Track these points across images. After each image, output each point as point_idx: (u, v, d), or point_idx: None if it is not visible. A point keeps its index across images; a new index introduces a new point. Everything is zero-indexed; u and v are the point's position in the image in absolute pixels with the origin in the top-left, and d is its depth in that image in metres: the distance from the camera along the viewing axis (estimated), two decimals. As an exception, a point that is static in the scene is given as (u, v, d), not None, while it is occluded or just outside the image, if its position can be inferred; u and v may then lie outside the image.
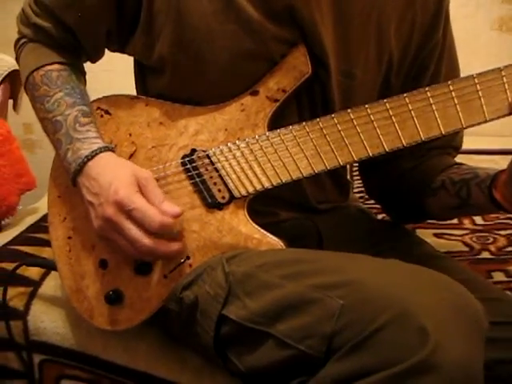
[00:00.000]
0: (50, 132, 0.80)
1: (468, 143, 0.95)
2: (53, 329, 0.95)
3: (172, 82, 0.79)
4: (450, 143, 0.88)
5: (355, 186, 1.26)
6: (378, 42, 0.79)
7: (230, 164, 0.75)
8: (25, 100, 1.46)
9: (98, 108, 0.83)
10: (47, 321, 0.95)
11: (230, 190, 0.76)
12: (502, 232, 1.14)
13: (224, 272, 0.69)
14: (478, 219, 1.20)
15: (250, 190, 0.75)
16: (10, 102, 1.44)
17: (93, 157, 0.75)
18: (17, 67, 1.35)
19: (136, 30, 0.79)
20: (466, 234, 1.14)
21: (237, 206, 0.76)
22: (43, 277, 1.02)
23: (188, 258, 0.76)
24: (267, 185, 0.75)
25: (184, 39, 0.74)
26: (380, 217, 1.04)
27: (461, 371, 0.51)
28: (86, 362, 0.94)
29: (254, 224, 0.75)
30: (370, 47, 0.79)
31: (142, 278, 0.78)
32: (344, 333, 0.55)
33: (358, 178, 1.22)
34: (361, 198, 1.13)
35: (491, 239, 1.11)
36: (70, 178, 0.78)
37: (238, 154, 0.75)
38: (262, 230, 0.75)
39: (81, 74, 0.86)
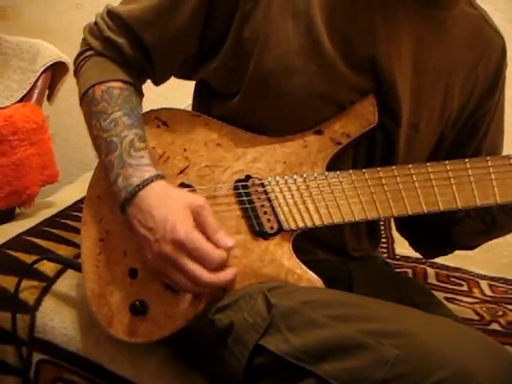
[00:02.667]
0: (103, 152, 0.77)
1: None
2: (61, 329, 0.93)
3: (240, 108, 0.80)
4: None
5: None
6: (444, 98, 0.83)
7: (283, 196, 0.76)
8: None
9: (156, 118, 0.83)
10: (57, 320, 0.93)
11: (279, 222, 0.76)
12: (510, 307, 1.15)
13: (267, 302, 0.69)
14: (487, 290, 1.22)
15: (300, 224, 0.76)
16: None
17: (144, 186, 0.73)
18: (62, 59, 1.36)
19: (214, 54, 0.79)
20: (476, 303, 1.15)
21: (283, 238, 0.76)
22: (58, 274, 1.00)
23: (224, 282, 0.76)
24: (318, 223, 0.75)
25: (265, 70, 0.76)
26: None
27: None
28: (89, 369, 0.91)
29: (297, 259, 0.76)
30: (436, 102, 0.82)
31: (171, 294, 0.77)
32: (395, 382, 0.56)
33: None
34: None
35: (501, 312, 1.12)
36: (118, 204, 0.75)
37: (294, 187, 0.76)
38: (304, 267, 0.75)
39: (140, 96, 0.84)
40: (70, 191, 1.37)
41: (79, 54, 0.85)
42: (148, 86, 0.88)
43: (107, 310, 0.81)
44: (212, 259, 0.68)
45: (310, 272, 0.75)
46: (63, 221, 1.19)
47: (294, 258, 0.76)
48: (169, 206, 0.71)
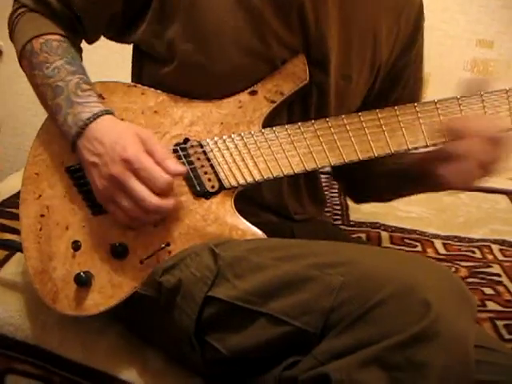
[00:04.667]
0: (49, 98, 0.78)
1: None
2: (6, 318, 0.89)
3: (174, 73, 0.80)
4: None
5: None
6: (373, 49, 0.85)
7: (222, 155, 0.77)
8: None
9: None
10: (1, 309, 0.90)
11: (220, 180, 0.77)
12: (463, 263, 1.18)
13: (213, 254, 0.70)
14: (441, 249, 1.25)
15: (241, 181, 0.77)
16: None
17: (94, 119, 0.75)
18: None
19: (142, 17, 0.80)
20: (430, 262, 1.17)
21: (225, 196, 0.77)
22: (2, 263, 0.97)
23: (168, 244, 0.76)
24: (258, 177, 0.76)
25: (194, 30, 0.76)
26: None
27: (459, 343, 0.53)
28: (39, 356, 0.88)
29: (239, 216, 0.77)
30: (366, 54, 0.85)
31: (116, 262, 0.77)
32: (343, 308, 0.57)
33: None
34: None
35: (453, 269, 1.15)
36: (69, 141, 0.77)
37: (232, 146, 0.77)
38: (247, 223, 0.76)
39: (79, 50, 0.86)
40: (16, 179, 1.32)
41: (12, 13, 0.86)
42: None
43: (51, 285, 0.79)
44: (159, 181, 0.70)
45: (253, 227, 0.76)
46: (8, 209, 1.15)
47: (237, 215, 0.77)
48: (118, 133, 0.73)
